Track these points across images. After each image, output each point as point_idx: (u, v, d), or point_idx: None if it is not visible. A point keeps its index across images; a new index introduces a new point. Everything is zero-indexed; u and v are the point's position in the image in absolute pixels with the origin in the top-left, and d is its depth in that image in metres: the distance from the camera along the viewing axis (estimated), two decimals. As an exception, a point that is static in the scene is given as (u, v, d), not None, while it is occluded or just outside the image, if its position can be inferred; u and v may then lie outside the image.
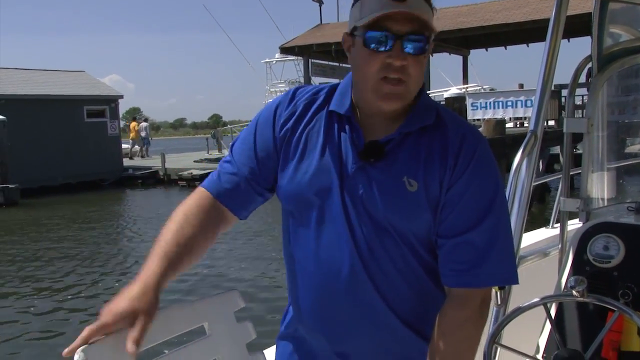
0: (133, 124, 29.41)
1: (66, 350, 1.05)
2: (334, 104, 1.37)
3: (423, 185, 1.29)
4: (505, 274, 1.32)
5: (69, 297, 8.63)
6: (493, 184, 1.31)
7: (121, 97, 26.99)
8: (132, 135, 29.36)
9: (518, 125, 19.58)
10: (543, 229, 3.15)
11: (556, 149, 17.31)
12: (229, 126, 34.96)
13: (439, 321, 1.30)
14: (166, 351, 1.20)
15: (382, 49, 1.23)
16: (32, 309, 8.10)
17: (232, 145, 1.46)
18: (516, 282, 1.33)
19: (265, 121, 1.42)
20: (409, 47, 1.23)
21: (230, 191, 1.39)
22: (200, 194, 1.40)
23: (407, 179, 1.29)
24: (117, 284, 9.22)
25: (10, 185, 19.18)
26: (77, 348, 1.04)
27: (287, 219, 1.42)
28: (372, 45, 1.24)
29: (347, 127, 1.35)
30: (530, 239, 2.82)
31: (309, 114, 1.39)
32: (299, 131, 1.38)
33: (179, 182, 22.04)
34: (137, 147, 29.13)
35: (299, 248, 1.39)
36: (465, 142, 1.30)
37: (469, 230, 1.28)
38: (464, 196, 1.28)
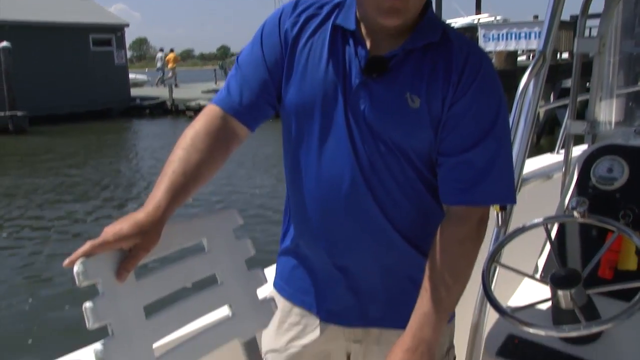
0: (171, 55, 29.63)
1: (67, 261, 1.06)
2: (339, 19, 1.33)
3: (425, 102, 1.27)
4: (504, 193, 1.31)
5: (86, 220, 9.08)
6: (496, 103, 1.29)
7: (127, 25, 26.57)
8: (170, 65, 29.63)
9: (531, 58, 19.19)
10: (548, 155, 3.13)
11: (568, 83, 17.05)
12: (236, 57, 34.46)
13: (437, 238, 1.30)
14: (165, 266, 1.21)
15: None
16: (52, 230, 8.59)
17: (238, 58, 1.43)
18: (514, 201, 1.33)
19: (271, 30, 1.38)
20: None
21: (242, 104, 1.36)
22: (209, 112, 1.37)
23: (410, 95, 1.27)
24: (128, 209, 9.65)
25: (19, 113, 19.18)
26: (77, 259, 1.05)
27: (289, 133, 1.41)
28: None
29: (351, 41, 1.32)
30: (535, 164, 2.80)
31: (313, 25, 1.36)
32: (302, 42, 1.35)
33: (186, 112, 21.98)
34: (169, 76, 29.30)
35: (300, 163, 1.39)
36: (469, 60, 1.27)
37: (470, 149, 1.26)
38: (466, 115, 1.26)
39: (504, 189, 1.30)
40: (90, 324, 1.03)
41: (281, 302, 1.51)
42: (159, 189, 1.20)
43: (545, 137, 14.00)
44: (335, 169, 1.33)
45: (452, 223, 1.30)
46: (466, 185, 1.27)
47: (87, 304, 1.03)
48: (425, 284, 1.29)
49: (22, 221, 9.16)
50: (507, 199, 1.33)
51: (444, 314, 1.30)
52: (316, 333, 1.46)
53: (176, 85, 27.85)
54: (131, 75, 28.18)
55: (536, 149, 3.27)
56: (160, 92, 26.03)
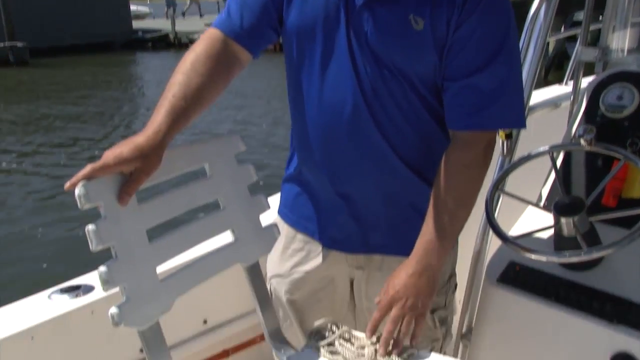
0: None
1: (68, 183, 1.05)
2: None
3: (430, 24, 1.22)
4: (512, 117, 1.29)
5: (96, 148, 9.26)
6: (504, 26, 1.24)
7: (127, -47, 25.83)
8: None
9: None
10: (556, 86, 3.07)
11: (580, 16, 16.59)
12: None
13: (443, 163, 1.29)
14: (167, 191, 1.21)
15: None
16: (63, 156, 8.87)
17: None
18: (523, 125, 1.31)
19: None
20: None
21: (242, 27, 1.32)
22: (210, 35, 1.33)
23: (414, 17, 1.23)
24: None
25: (19, 44, 18.87)
26: (78, 182, 1.04)
27: (291, 58, 1.38)
28: None
29: None
30: (542, 95, 2.75)
31: None
32: None
33: (189, 45, 21.57)
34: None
35: (302, 88, 1.36)
36: None
37: (476, 72, 1.23)
38: (472, 37, 1.22)
39: (512, 113, 1.28)
40: (94, 246, 1.03)
41: (285, 229, 1.52)
42: (159, 113, 1.18)
43: (553, 72, 13.78)
44: (337, 94, 1.30)
45: (458, 148, 1.28)
46: (473, 109, 1.25)
47: (90, 227, 1.03)
48: (431, 210, 1.29)
49: (31, 148, 9.34)
50: (516, 123, 1.31)
51: (450, 240, 1.30)
52: (319, 259, 1.48)
53: (183, 15, 27.34)
54: (132, 7, 27.54)
55: (544, 83, 3.20)
56: (162, 25, 25.59)
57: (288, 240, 1.52)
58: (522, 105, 1.31)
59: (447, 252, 1.31)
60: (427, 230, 1.29)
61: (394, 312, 1.24)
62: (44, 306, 1.47)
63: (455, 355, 1.70)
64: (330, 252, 1.47)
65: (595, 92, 1.70)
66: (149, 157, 1.11)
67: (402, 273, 1.28)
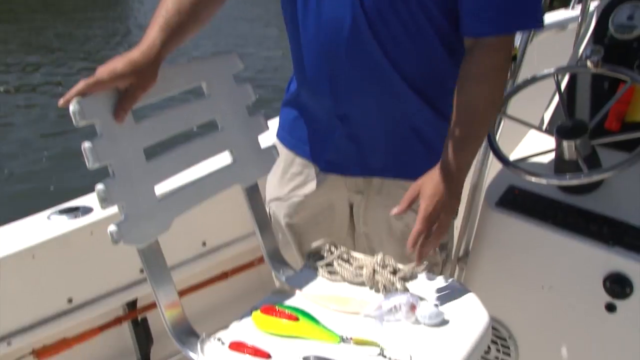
0: None
1: (61, 100, 1.02)
2: None
3: None
4: (535, 17, 1.25)
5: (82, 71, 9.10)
6: None
7: None
8: None
9: None
10: (562, 10, 2.98)
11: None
12: None
13: (467, 69, 1.24)
14: (164, 109, 1.18)
15: None
16: (64, 78, 8.74)
17: None
18: (542, 27, 1.28)
19: None
20: None
21: None
22: None
23: None
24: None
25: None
26: (72, 99, 1.02)
27: None
28: None
29: None
30: (547, 18, 2.67)
31: None
32: None
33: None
34: None
35: (298, 5, 1.31)
36: None
37: None
38: None
39: (534, 13, 1.24)
40: (90, 163, 1.02)
41: (284, 152, 1.50)
42: (153, 29, 1.15)
43: (557, 3, 13.44)
44: (336, 10, 1.25)
45: (484, 54, 1.23)
46: (497, 13, 1.20)
47: (86, 144, 1.01)
48: (459, 115, 1.24)
49: (33, 68, 9.27)
50: (538, 23, 1.27)
51: (476, 147, 1.28)
52: (316, 182, 1.47)
53: None
54: None
55: (549, 9, 3.11)
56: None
57: (287, 164, 1.51)
58: (540, 7, 1.27)
59: (473, 159, 1.28)
60: (456, 136, 1.23)
61: (436, 226, 1.20)
62: (43, 226, 1.47)
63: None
64: (329, 176, 1.46)
65: (605, 12, 1.65)
66: (143, 72, 1.09)
67: (436, 184, 1.22)
